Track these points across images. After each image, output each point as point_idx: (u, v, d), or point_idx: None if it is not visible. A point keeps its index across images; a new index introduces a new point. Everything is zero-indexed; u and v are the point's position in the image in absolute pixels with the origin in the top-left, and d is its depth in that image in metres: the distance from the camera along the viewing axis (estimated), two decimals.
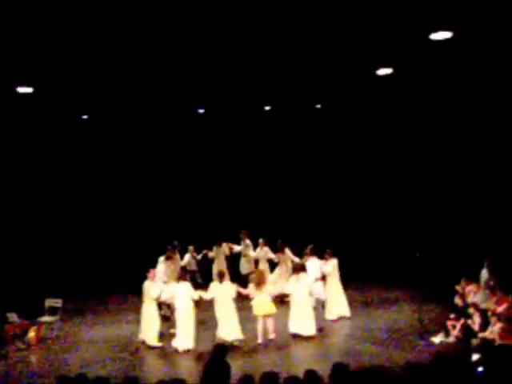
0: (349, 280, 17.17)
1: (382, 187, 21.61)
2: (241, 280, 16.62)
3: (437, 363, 6.72)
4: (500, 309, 12.65)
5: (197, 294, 14.38)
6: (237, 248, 19.69)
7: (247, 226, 19.65)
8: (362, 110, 22.63)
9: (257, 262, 19.31)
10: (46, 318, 15.88)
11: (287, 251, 18.32)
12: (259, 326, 14.25)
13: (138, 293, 17.79)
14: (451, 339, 13.40)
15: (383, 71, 15.98)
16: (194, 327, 14.13)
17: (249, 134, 23.65)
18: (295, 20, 12.03)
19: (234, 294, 14.42)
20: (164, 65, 15.17)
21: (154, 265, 16.63)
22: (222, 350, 8.62)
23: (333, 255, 16.50)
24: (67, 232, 20.46)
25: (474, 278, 14.60)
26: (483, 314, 13.15)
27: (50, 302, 16.14)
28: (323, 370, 6.86)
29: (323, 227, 18.50)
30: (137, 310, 17.53)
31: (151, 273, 14.90)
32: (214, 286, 14.57)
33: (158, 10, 11.11)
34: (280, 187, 22.55)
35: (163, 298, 14.72)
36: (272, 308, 14.40)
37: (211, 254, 19.21)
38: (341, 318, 16.12)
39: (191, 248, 19.03)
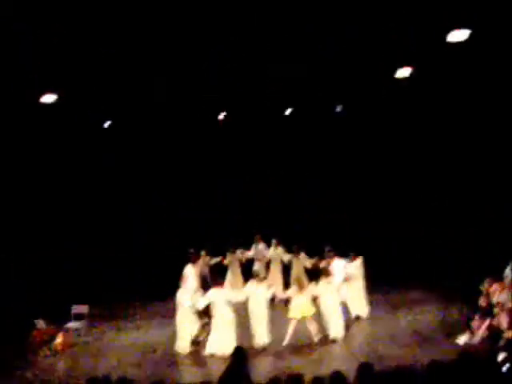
0: (371, 281, 17.19)
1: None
2: None
3: (462, 362, 6.74)
4: None
5: (237, 297, 14.48)
6: (249, 254, 19.76)
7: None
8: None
9: (268, 263, 19.38)
10: (72, 324, 16.07)
11: (302, 256, 18.42)
12: (291, 329, 14.33)
13: (162, 298, 18.07)
14: (476, 339, 13.34)
15: (401, 72, 16.00)
16: (234, 331, 14.09)
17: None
18: (312, 18, 12.09)
19: (269, 297, 14.69)
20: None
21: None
22: (241, 353, 8.62)
23: (357, 256, 16.61)
24: (85, 234, 20.50)
25: (498, 277, 14.52)
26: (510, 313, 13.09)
27: (76, 308, 16.34)
28: (349, 371, 6.92)
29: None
30: (162, 314, 17.78)
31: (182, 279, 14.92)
32: (250, 287, 14.69)
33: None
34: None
35: (200, 306, 14.65)
36: (311, 310, 14.47)
37: (226, 262, 19.20)
38: (358, 318, 16.23)
39: (203, 253, 18.92)
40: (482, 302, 14.07)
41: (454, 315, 15.22)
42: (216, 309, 14.15)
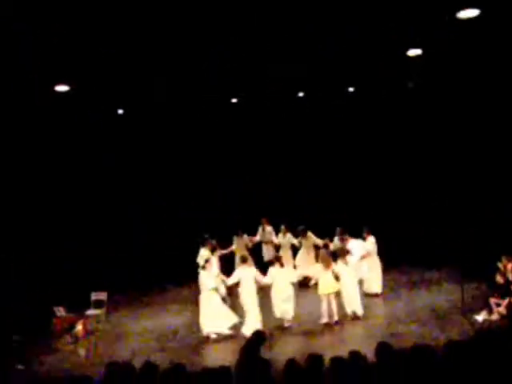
0: (388, 261, 17.26)
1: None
2: (265, 267, 16.60)
3: (480, 340, 6.76)
4: None
5: (265, 279, 14.69)
6: (256, 238, 19.87)
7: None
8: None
9: (278, 248, 19.47)
10: (92, 311, 16.24)
11: (310, 235, 18.64)
12: (324, 306, 14.55)
13: (178, 285, 18.21)
14: (495, 317, 13.36)
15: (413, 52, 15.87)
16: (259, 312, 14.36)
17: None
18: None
19: (294, 279, 15.13)
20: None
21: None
22: (260, 337, 8.66)
23: (370, 232, 16.83)
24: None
25: None
26: None
27: (95, 295, 16.50)
28: (368, 350, 6.96)
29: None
30: (180, 300, 17.93)
31: (207, 264, 14.99)
32: (275, 270, 14.85)
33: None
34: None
35: (228, 283, 14.99)
36: (336, 286, 14.67)
37: (233, 247, 19.20)
38: (377, 296, 16.50)
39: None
40: (499, 278, 14.08)
41: (472, 293, 15.19)
42: (243, 287, 14.38)
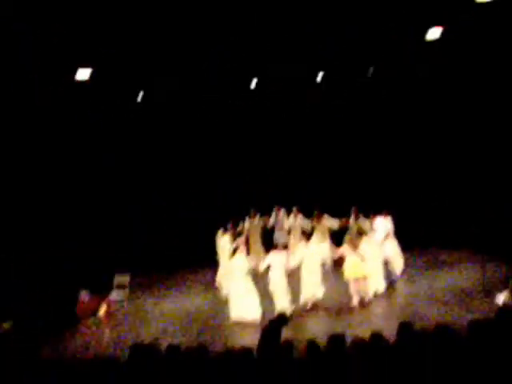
0: (409, 241, 17.27)
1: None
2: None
3: (501, 321, 6.76)
4: None
5: (293, 260, 14.68)
6: (270, 222, 19.84)
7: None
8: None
9: (289, 231, 19.36)
10: (115, 294, 16.38)
11: (325, 217, 18.56)
12: (352, 288, 14.57)
13: (201, 267, 18.33)
14: None
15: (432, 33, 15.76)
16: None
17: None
18: None
19: (324, 255, 15.42)
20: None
21: None
22: (281, 319, 8.70)
23: (388, 212, 16.96)
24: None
25: None
26: None
27: (118, 278, 16.66)
28: (389, 330, 7.01)
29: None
30: (202, 282, 18.05)
31: (241, 246, 15.06)
32: (301, 249, 14.94)
33: None
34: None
35: (261, 268, 14.83)
36: (362, 270, 14.63)
37: (246, 226, 19.12)
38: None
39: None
40: None
41: (493, 274, 15.13)
42: (273, 272, 14.39)
